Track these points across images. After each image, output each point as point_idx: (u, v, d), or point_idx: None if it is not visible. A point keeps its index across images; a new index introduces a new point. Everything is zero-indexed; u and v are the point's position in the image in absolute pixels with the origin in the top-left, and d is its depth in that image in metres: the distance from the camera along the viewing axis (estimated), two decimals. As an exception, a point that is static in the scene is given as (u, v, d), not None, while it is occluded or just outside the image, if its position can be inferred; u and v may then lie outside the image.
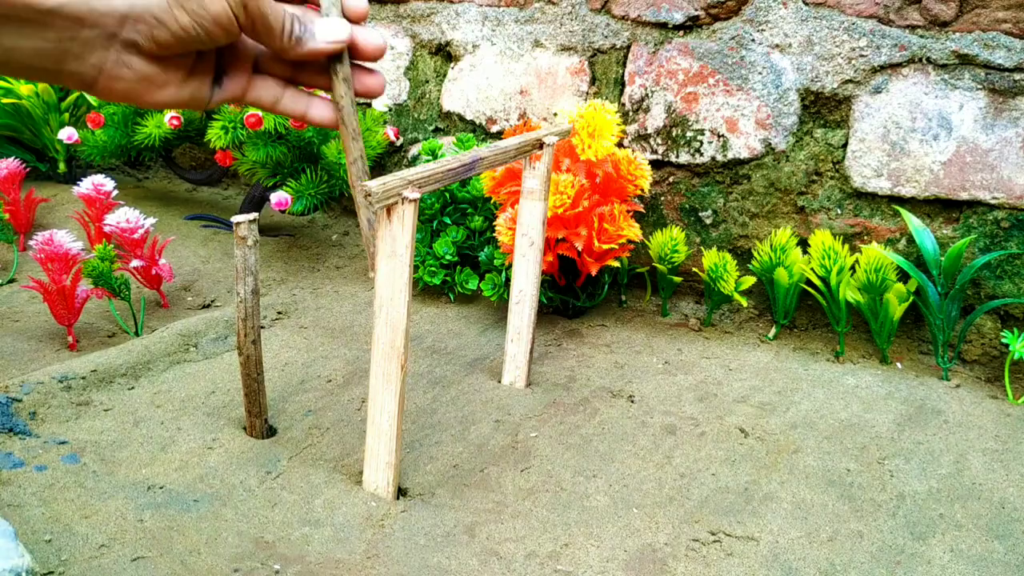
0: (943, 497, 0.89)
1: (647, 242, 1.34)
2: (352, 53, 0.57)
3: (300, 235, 1.72)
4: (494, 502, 0.85)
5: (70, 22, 0.44)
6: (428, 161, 1.10)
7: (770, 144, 1.29)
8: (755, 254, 1.28)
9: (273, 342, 1.20)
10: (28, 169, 1.57)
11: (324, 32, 0.55)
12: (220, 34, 0.49)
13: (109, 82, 0.47)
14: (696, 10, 1.29)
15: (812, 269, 1.22)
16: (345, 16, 0.57)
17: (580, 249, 1.20)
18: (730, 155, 1.32)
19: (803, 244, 1.28)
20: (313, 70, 0.57)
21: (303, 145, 1.48)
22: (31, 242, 1.19)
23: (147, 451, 0.90)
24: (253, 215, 0.87)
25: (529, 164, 1.01)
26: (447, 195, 1.40)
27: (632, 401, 1.08)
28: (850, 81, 1.21)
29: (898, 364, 1.22)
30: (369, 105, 1.68)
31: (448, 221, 1.40)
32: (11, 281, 1.40)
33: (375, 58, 0.57)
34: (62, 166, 1.84)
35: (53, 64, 0.45)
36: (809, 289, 1.25)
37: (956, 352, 1.20)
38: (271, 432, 0.96)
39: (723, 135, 1.32)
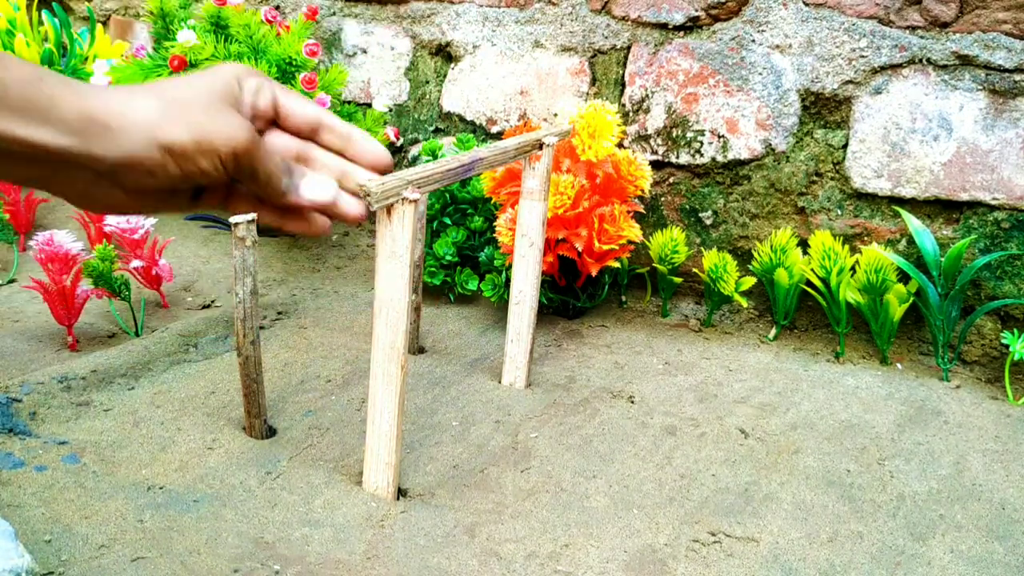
0: (943, 498, 0.89)
1: (647, 243, 1.34)
2: (328, 212, 0.58)
3: (300, 235, 1.72)
4: (494, 502, 0.85)
5: (65, 162, 0.47)
6: (428, 162, 1.10)
7: (770, 145, 1.29)
8: (755, 255, 1.28)
9: (273, 342, 1.20)
10: (28, 169, 1.57)
11: (310, 190, 0.56)
12: (206, 182, 0.51)
13: (90, 203, 0.50)
14: (696, 11, 1.29)
15: (812, 270, 1.22)
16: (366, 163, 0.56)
17: (580, 250, 1.20)
18: (730, 156, 1.32)
19: (803, 245, 1.28)
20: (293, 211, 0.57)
21: (303, 145, 1.48)
22: (31, 242, 1.19)
23: (147, 451, 0.90)
24: (252, 215, 0.87)
25: (529, 165, 1.01)
26: (447, 195, 1.40)
27: (632, 402, 1.08)
28: (850, 82, 1.21)
29: (898, 365, 1.21)
30: (369, 105, 1.68)
31: (448, 221, 1.40)
32: (11, 281, 1.40)
33: (355, 220, 0.58)
34: (62, 166, 1.84)
35: (40, 185, 0.47)
36: (809, 290, 1.25)
37: (956, 353, 1.20)
38: (271, 432, 0.96)
39: (723, 136, 1.32)
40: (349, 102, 1.74)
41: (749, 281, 1.27)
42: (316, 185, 0.57)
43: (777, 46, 1.25)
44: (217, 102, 0.49)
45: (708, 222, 1.37)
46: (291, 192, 0.54)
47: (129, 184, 0.47)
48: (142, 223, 1.27)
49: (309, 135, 0.60)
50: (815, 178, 1.27)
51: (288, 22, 1.53)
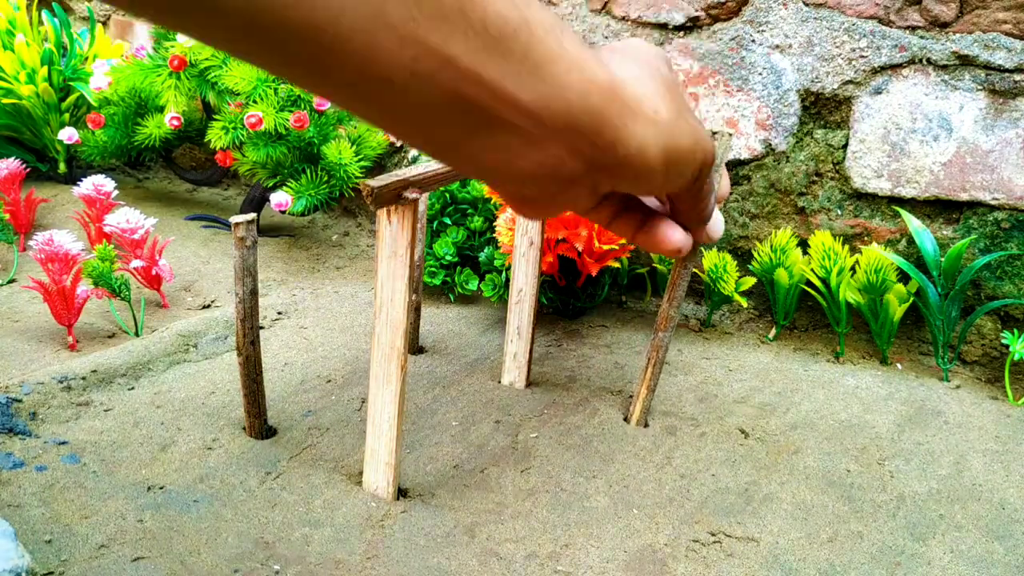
0: (943, 498, 0.89)
1: (647, 243, 1.34)
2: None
3: (300, 235, 1.72)
4: (494, 502, 0.85)
5: (507, 124, 0.32)
6: (428, 161, 1.10)
7: (770, 145, 1.29)
8: (755, 255, 1.28)
9: (273, 342, 1.20)
10: (28, 169, 1.57)
11: (715, 227, 0.45)
12: (647, 192, 0.37)
13: (501, 184, 0.36)
14: (696, 11, 1.29)
15: (812, 270, 1.22)
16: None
17: (580, 250, 1.20)
18: (730, 156, 1.32)
19: (803, 245, 1.28)
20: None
21: (303, 145, 1.48)
22: (31, 242, 1.19)
23: (147, 451, 0.90)
24: (252, 215, 0.87)
25: (529, 164, 1.01)
26: (447, 195, 1.40)
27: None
28: (850, 82, 1.21)
29: (898, 365, 1.21)
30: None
31: (448, 221, 1.40)
32: (11, 281, 1.40)
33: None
34: (62, 166, 1.84)
35: (439, 147, 0.33)
36: (809, 290, 1.25)
37: (956, 353, 1.20)
38: (271, 432, 0.96)
39: (723, 136, 1.32)
40: (349, 102, 1.74)
41: (749, 281, 1.27)
42: (718, 225, 0.47)
43: (777, 46, 1.25)
44: (683, 97, 0.37)
45: (708, 222, 1.37)
46: (708, 216, 0.44)
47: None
48: (142, 223, 1.27)
49: None
50: (815, 178, 1.27)
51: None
